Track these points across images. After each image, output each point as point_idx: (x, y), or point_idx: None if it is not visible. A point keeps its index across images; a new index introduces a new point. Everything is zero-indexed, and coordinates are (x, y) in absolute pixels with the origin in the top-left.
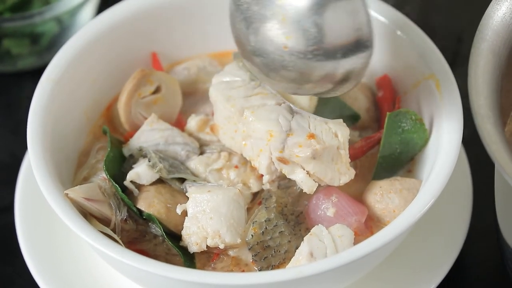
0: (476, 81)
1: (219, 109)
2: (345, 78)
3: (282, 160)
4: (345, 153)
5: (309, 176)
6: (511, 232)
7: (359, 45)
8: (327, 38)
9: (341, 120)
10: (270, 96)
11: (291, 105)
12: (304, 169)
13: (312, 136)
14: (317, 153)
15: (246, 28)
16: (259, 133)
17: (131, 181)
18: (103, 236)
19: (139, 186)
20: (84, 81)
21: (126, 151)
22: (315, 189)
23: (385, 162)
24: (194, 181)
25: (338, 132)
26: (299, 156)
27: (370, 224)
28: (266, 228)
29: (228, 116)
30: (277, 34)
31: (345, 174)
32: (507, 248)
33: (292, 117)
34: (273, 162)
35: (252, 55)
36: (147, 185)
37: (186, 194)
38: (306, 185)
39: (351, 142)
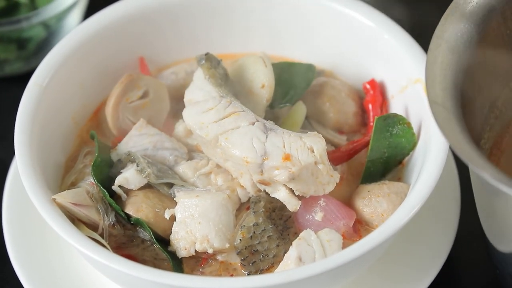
0: (433, 74)
1: (195, 135)
2: None
3: (263, 182)
4: (323, 166)
5: (293, 191)
6: (494, 234)
7: None
8: None
9: (315, 132)
10: (242, 116)
11: (265, 122)
12: (286, 187)
13: (287, 157)
14: (294, 175)
15: None
16: (236, 159)
17: (119, 186)
18: (91, 241)
19: (127, 191)
20: (72, 86)
21: (114, 156)
22: (299, 207)
23: (373, 166)
24: (182, 186)
25: (313, 147)
26: (277, 180)
27: (359, 228)
28: (254, 232)
29: (204, 143)
30: None
31: (328, 183)
32: (494, 250)
33: (266, 137)
34: (255, 183)
35: None
36: (135, 190)
37: (175, 199)
38: (290, 204)
39: (338, 146)
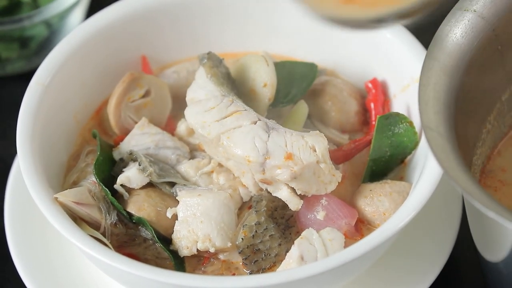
0: (426, 97)
1: (197, 134)
2: None
3: (265, 181)
4: (325, 166)
5: (295, 190)
6: (484, 245)
7: None
8: None
9: (317, 132)
10: (244, 115)
11: (266, 121)
12: (288, 186)
13: (289, 156)
14: (296, 174)
15: None
16: (238, 158)
17: (121, 185)
18: (93, 240)
19: (129, 190)
20: (74, 85)
21: (116, 155)
22: (300, 206)
23: (375, 165)
24: (184, 185)
25: (315, 146)
26: (279, 179)
27: (360, 226)
28: (256, 231)
29: (206, 142)
30: None
31: (330, 182)
32: (483, 260)
33: (268, 136)
34: (257, 182)
35: None
36: (137, 189)
37: (177, 198)
38: (291, 203)
39: (340, 145)
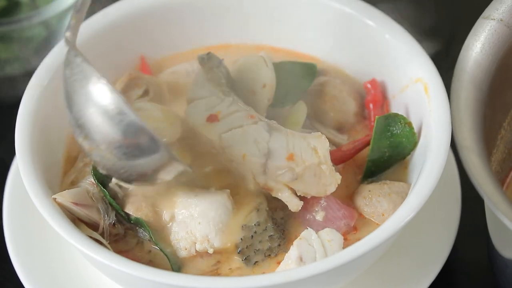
0: (458, 114)
1: (199, 133)
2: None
3: (267, 189)
4: (327, 167)
5: (295, 192)
6: (501, 240)
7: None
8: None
9: (319, 133)
10: (246, 115)
11: (268, 122)
12: (288, 188)
13: (291, 157)
14: (298, 175)
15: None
16: (239, 158)
17: (118, 185)
18: (91, 241)
19: (126, 190)
20: None
21: None
22: (300, 207)
23: (374, 165)
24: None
25: (317, 147)
26: (280, 180)
27: (355, 224)
28: (255, 231)
29: (208, 142)
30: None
31: (330, 184)
32: (498, 256)
33: (270, 136)
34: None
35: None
36: (135, 189)
37: (174, 199)
38: (291, 204)
39: (339, 145)
